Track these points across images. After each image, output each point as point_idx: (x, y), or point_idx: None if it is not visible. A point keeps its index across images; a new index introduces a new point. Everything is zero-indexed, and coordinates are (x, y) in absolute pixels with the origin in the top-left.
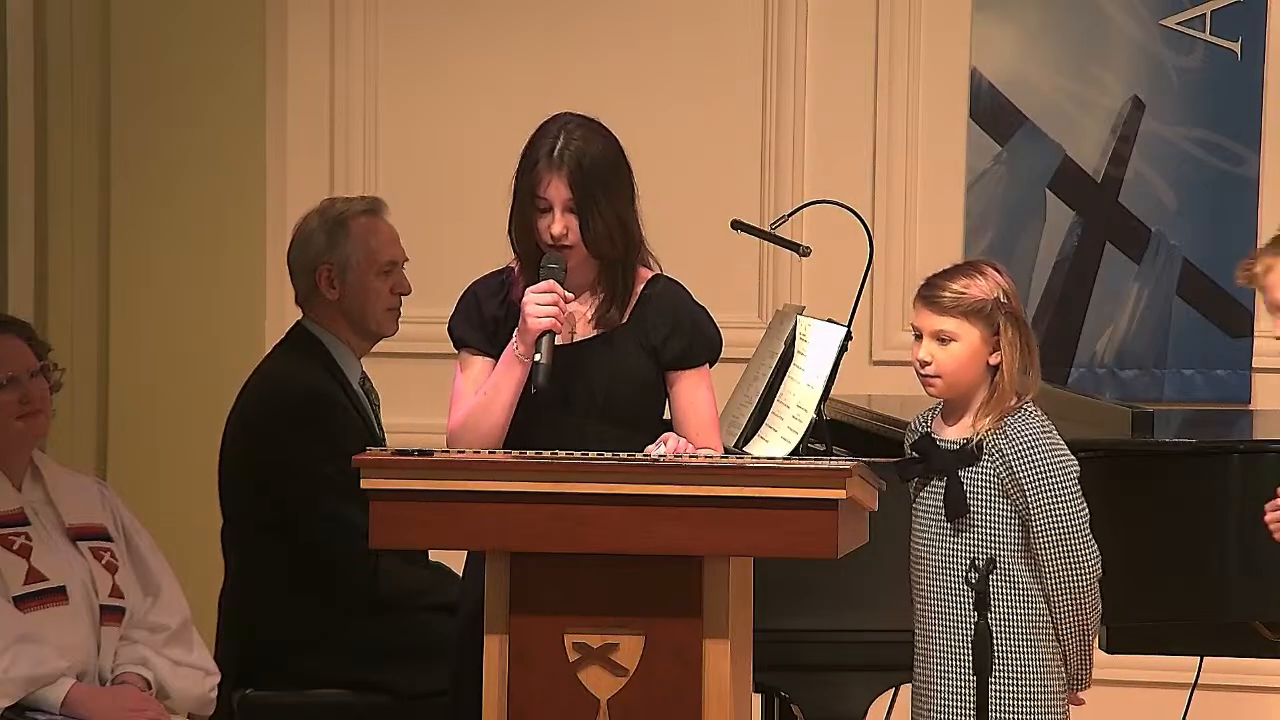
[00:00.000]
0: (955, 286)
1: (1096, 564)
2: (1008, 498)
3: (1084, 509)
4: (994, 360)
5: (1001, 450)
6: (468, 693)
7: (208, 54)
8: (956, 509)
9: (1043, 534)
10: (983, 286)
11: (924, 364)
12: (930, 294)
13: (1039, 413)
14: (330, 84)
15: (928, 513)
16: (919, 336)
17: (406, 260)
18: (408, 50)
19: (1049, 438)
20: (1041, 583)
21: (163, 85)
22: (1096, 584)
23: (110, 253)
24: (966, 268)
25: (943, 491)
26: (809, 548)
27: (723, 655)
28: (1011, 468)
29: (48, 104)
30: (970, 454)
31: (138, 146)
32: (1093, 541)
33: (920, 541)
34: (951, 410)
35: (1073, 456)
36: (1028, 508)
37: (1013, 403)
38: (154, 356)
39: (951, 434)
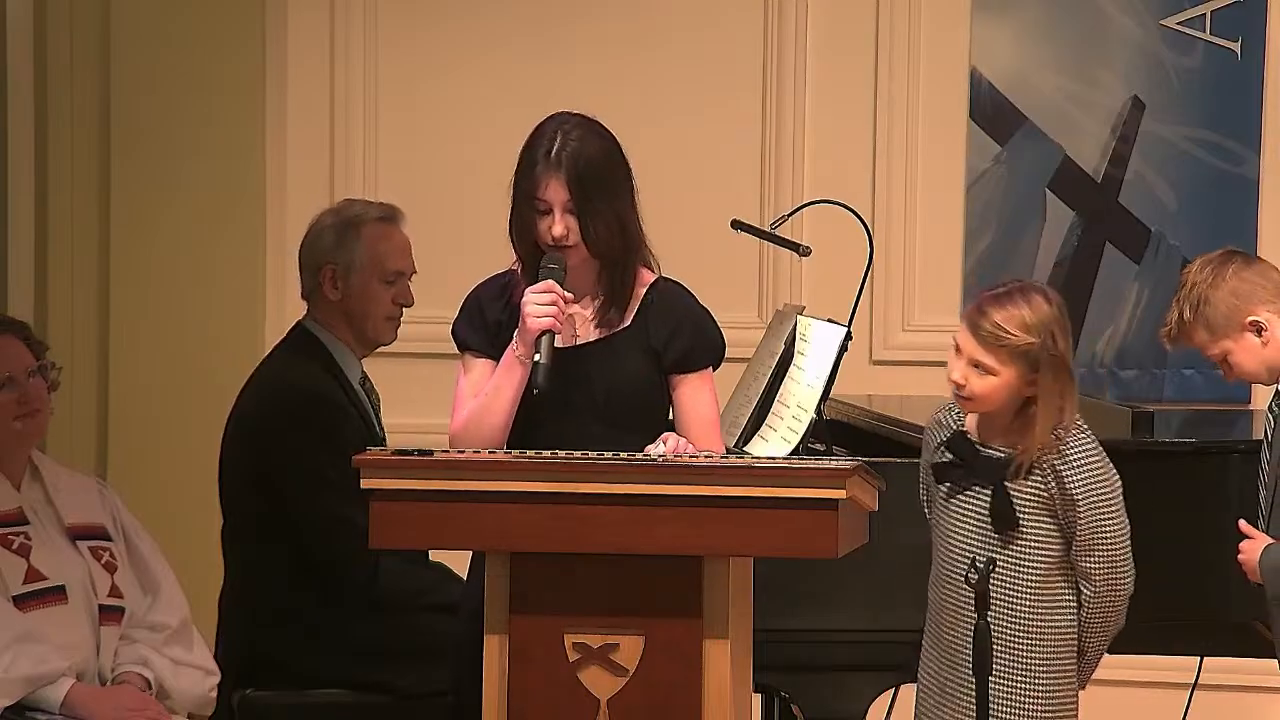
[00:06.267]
0: (1001, 320)
1: (1132, 581)
2: (1054, 515)
3: (1127, 528)
4: (1029, 394)
5: (1056, 469)
6: (469, 693)
7: (208, 54)
8: (1007, 521)
9: (1090, 552)
10: (1031, 326)
11: (959, 384)
12: (977, 320)
13: (1087, 429)
14: (330, 84)
15: (965, 518)
16: (958, 350)
17: (414, 273)
18: (408, 51)
19: (1101, 457)
20: (1075, 593)
21: (163, 85)
22: (1127, 600)
23: (110, 253)
24: (1019, 298)
25: (987, 499)
26: (809, 548)
27: (723, 655)
28: (1065, 487)
29: (48, 104)
30: (1019, 467)
31: (138, 146)
32: (1132, 561)
33: (953, 546)
34: (995, 421)
35: (1118, 475)
36: (1075, 525)
37: (1053, 436)
38: (154, 356)
39: (994, 441)
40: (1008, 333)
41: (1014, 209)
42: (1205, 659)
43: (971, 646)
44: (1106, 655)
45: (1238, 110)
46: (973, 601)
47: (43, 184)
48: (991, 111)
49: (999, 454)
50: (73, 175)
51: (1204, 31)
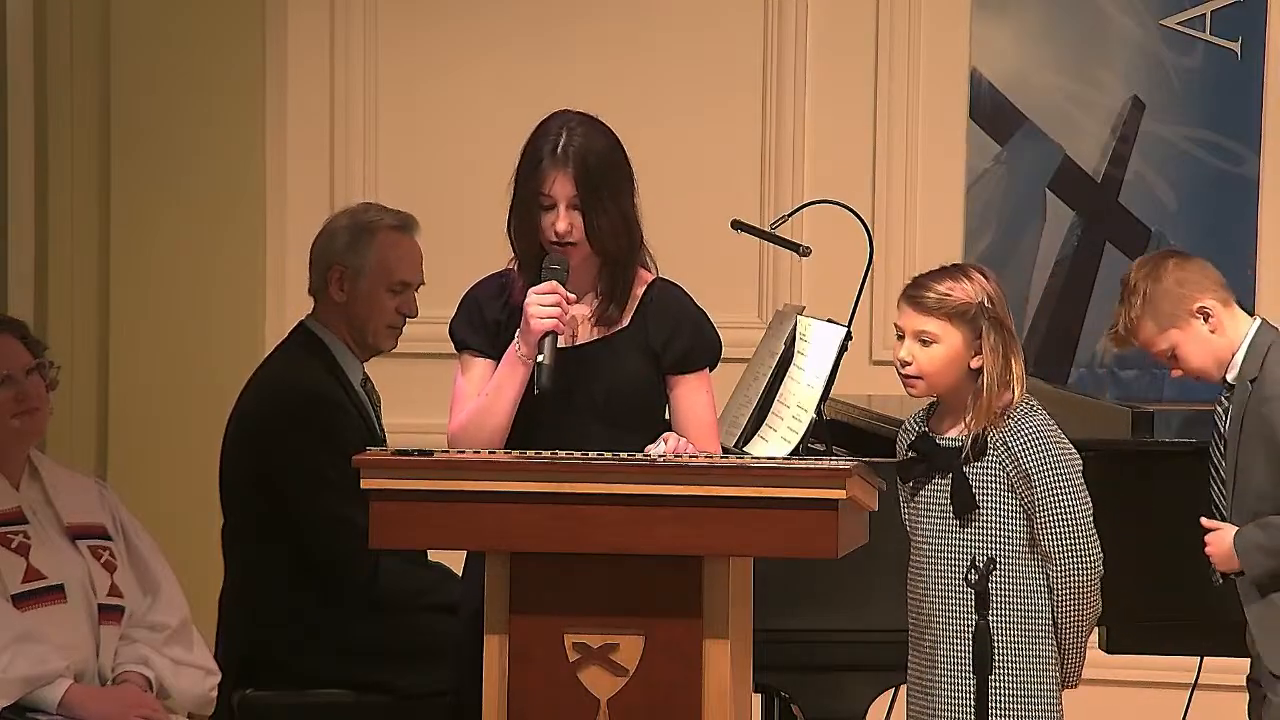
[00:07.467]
0: (940, 288)
1: (1099, 559)
2: (1014, 492)
3: (1089, 504)
4: (975, 364)
5: (1008, 444)
6: (469, 693)
7: (208, 54)
8: (965, 505)
9: (1048, 528)
10: (967, 290)
11: (904, 364)
12: (915, 294)
13: (1041, 408)
14: (330, 84)
15: (931, 511)
16: (901, 336)
17: (422, 284)
18: (408, 51)
19: (1054, 432)
20: (1046, 576)
21: (163, 85)
22: (1099, 579)
23: (110, 253)
24: (953, 270)
25: (948, 489)
26: (809, 548)
27: (723, 655)
28: (1019, 461)
29: (48, 104)
30: (971, 443)
31: (138, 146)
32: (1096, 536)
33: (922, 541)
34: (947, 410)
35: (1076, 452)
36: (1033, 501)
37: (1000, 406)
38: (154, 356)
39: (951, 432)
40: (949, 296)
41: (1014, 209)
42: (1205, 659)
43: (953, 644)
44: (1107, 656)
45: (1238, 110)
46: (955, 598)
47: (43, 184)
48: (991, 111)
49: (955, 443)
50: (73, 175)
51: (1204, 31)
